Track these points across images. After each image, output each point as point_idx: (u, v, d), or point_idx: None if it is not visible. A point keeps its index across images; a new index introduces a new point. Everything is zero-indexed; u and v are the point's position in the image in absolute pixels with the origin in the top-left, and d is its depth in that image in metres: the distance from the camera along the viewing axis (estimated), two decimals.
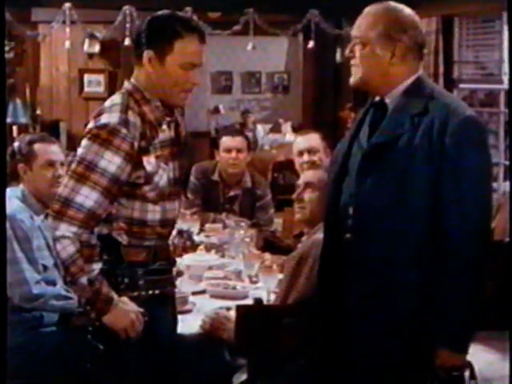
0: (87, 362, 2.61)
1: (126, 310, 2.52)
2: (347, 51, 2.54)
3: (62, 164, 3.52)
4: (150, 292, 2.61)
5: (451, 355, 2.35)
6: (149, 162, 2.54)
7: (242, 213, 4.89)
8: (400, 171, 2.38)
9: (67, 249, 2.48)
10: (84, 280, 2.48)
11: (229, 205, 4.96)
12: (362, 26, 2.50)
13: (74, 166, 2.52)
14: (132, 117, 2.53)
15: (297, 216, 3.40)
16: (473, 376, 2.42)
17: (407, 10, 2.51)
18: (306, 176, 3.43)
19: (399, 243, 2.39)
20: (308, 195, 3.32)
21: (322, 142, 4.51)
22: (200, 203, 4.94)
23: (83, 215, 2.48)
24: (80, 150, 2.52)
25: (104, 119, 2.51)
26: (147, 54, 2.55)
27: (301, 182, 3.42)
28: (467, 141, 2.38)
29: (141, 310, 2.55)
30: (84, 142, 2.53)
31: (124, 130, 2.49)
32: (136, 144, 2.51)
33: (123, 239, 2.58)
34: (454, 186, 2.35)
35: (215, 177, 4.98)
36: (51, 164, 3.50)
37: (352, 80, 2.54)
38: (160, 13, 2.63)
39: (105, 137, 2.48)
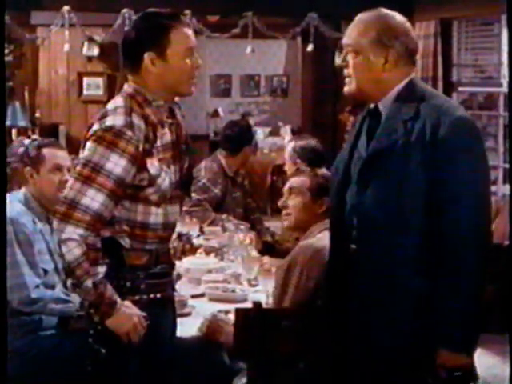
0: (88, 365, 2.59)
1: (129, 314, 2.52)
2: (340, 60, 2.55)
3: (68, 170, 3.51)
4: (152, 296, 2.61)
5: (451, 355, 2.35)
6: (152, 165, 2.54)
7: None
8: (397, 178, 2.38)
9: (73, 251, 2.46)
10: (89, 283, 2.46)
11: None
12: (353, 33, 2.51)
13: (79, 168, 2.51)
14: (136, 119, 2.53)
15: (284, 224, 3.37)
16: (474, 378, 2.41)
17: (399, 17, 2.52)
18: (289, 182, 3.40)
19: (400, 251, 2.39)
20: (292, 201, 3.29)
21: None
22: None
23: (89, 217, 2.46)
24: (85, 153, 2.51)
25: (109, 121, 2.50)
26: (148, 55, 2.56)
27: (285, 188, 3.40)
28: (460, 142, 2.36)
29: (143, 313, 2.55)
30: (89, 144, 2.51)
31: (129, 133, 2.49)
32: (140, 146, 2.51)
33: (126, 242, 2.58)
34: (448, 188, 2.34)
35: None
36: (59, 168, 3.49)
37: (346, 89, 2.54)
38: (141, 16, 2.67)
39: (110, 139, 2.48)
